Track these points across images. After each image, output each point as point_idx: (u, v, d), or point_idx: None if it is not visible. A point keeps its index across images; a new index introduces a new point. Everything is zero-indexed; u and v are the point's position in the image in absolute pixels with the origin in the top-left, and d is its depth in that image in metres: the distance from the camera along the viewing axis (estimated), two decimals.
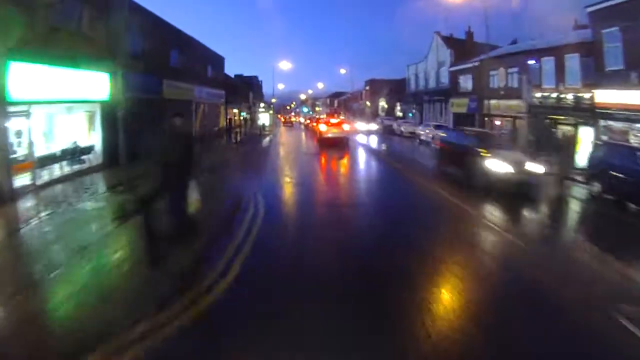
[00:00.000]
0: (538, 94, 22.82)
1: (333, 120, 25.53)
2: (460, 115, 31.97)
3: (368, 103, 57.41)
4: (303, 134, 35.47)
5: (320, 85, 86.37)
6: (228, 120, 33.95)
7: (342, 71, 56.33)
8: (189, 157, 5.54)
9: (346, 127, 24.41)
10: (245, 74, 73.09)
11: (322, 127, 24.40)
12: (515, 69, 25.53)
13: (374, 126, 40.15)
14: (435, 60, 36.72)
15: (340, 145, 23.04)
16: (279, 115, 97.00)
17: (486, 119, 29.20)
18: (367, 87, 57.86)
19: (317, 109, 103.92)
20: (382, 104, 57.03)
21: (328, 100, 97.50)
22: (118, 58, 13.66)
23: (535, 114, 22.97)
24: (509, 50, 28.45)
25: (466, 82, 32.05)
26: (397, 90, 55.25)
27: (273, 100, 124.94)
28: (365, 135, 32.84)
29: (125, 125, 13.25)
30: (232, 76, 49.59)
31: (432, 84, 37.45)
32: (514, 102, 24.83)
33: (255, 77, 75.18)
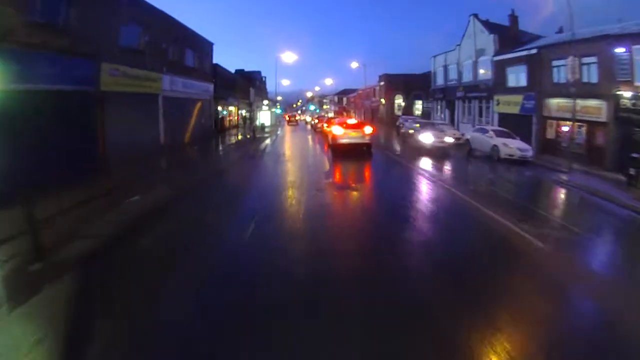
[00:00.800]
0: (628, 93, 16.23)
1: (351, 121, 18.82)
2: (509, 117, 25.07)
3: (383, 100, 50.48)
4: (310, 138, 28.25)
5: (328, 82, 79.49)
6: (218, 120, 27.31)
7: (354, 65, 48.15)
8: None
9: (368, 130, 17.68)
10: (248, 69, 66.95)
11: (337, 130, 17.68)
12: (594, 59, 18.63)
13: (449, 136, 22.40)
14: (472, 49, 29.72)
15: (361, 157, 16.47)
16: (284, 114, 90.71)
17: (547, 122, 22.45)
18: (382, 83, 50.95)
19: (324, 107, 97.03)
20: (399, 101, 50.08)
21: (336, 98, 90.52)
22: None
23: (624, 120, 16.33)
24: (584, 35, 21.43)
25: (518, 75, 25.09)
26: (416, 86, 48.38)
27: (279, 98, 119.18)
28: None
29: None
30: (232, 71, 43.10)
31: (467, 77, 30.49)
32: (591, 103, 17.99)
33: (258, 72, 68.57)
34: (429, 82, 49.08)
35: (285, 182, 11.29)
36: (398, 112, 49.89)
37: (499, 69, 26.61)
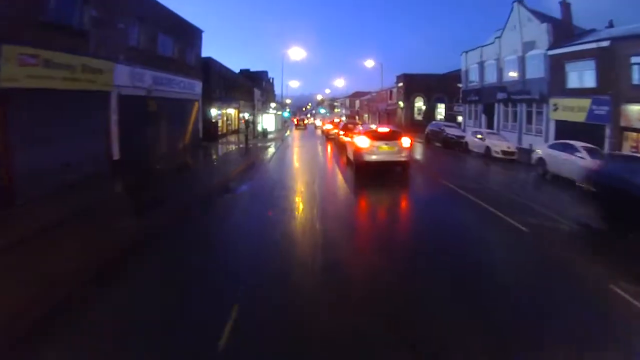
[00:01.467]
0: None
1: (382, 130, 13.12)
2: (570, 126, 19.79)
3: (401, 103, 45.23)
4: (321, 150, 21.93)
5: (339, 84, 74.43)
6: (211, 126, 22.45)
7: (369, 64, 42.98)
8: None
9: (406, 142, 12.50)
10: (255, 70, 62.36)
11: (362, 142, 12.32)
12: None
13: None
14: (517, 41, 24.41)
15: (403, 185, 11.59)
16: (293, 118, 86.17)
17: (625, 133, 17.33)
18: (400, 84, 45.71)
19: (335, 110, 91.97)
20: (419, 104, 44.78)
21: (347, 101, 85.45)
22: None
23: None
24: None
25: (582, 74, 19.80)
26: (437, 87, 43.11)
27: (288, 101, 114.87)
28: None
29: None
30: (236, 71, 38.42)
31: (511, 75, 25.17)
32: None
33: (264, 73, 63.86)
34: (452, 84, 43.93)
35: (284, 254, 5.92)
36: (418, 117, 44.63)
37: (556, 65, 21.26)
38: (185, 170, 13.55)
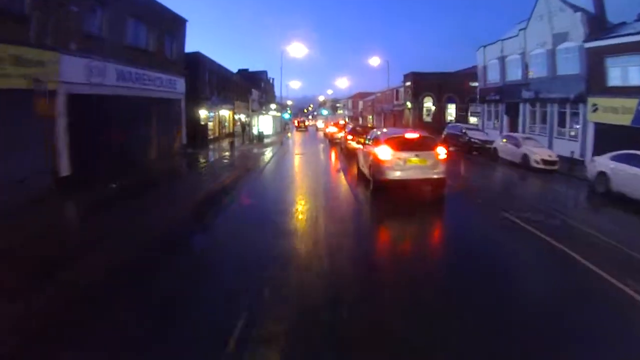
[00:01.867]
0: None
1: (411, 136, 9.84)
2: (612, 129, 17.03)
3: (409, 104, 42.48)
4: (323, 158, 18.43)
5: (342, 84, 71.67)
6: (197, 129, 19.78)
7: (375, 62, 40.25)
8: None
9: (442, 153, 9.35)
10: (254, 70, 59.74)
11: (383, 153, 9.24)
12: None
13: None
14: (546, 33, 21.64)
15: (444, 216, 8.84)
16: (294, 120, 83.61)
17: None
18: (407, 83, 42.97)
19: (338, 111, 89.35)
20: (428, 105, 42.02)
21: (350, 102, 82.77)
22: None
23: None
24: None
25: (627, 70, 17.07)
26: (448, 87, 40.37)
27: (289, 103, 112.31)
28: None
29: None
30: (234, 71, 35.82)
31: (539, 71, 22.38)
32: None
33: (264, 73, 61.34)
34: (464, 83, 41.20)
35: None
36: (427, 118, 41.88)
37: (595, 60, 18.47)
38: (150, 187, 10.84)
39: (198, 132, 19.98)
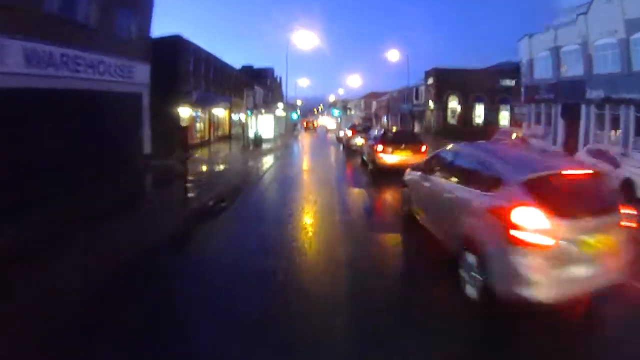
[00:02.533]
0: None
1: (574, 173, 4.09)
2: None
3: (431, 104, 37.96)
4: (344, 186, 11.06)
5: (354, 82, 67.22)
6: (169, 134, 15.57)
7: (393, 56, 35.56)
8: None
9: None
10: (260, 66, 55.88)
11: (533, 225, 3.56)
12: None
13: None
14: (615, 18, 17.02)
15: None
16: (303, 120, 79.70)
17: None
18: (430, 81, 38.43)
19: (349, 112, 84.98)
20: (454, 105, 37.43)
21: (362, 102, 78.32)
22: None
23: None
24: None
25: None
26: (477, 85, 35.76)
27: (299, 103, 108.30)
28: None
29: None
30: (237, 67, 31.90)
31: (608, 65, 17.78)
32: None
33: (269, 70, 57.45)
34: (494, 80, 36.65)
35: None
36: (452, 121, 37.31)
37: None
38: (56, 236, 6.65)
39: (173, 137, 15.91)
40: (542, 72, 22.34)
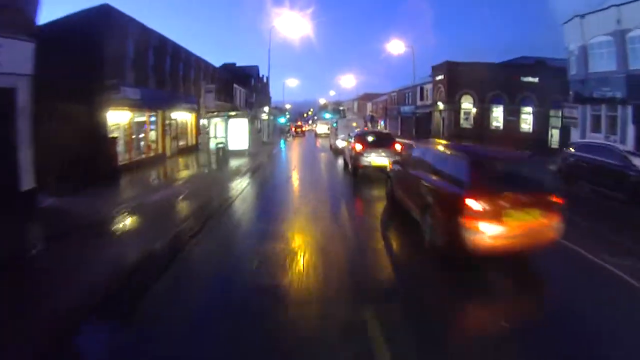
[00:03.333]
0: None
1: None
2: None
3: (440, 105, 33.13)
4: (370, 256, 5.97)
5: (347, 83, 62.18)
6: (78, 151, 10.25)
7: (395, 48, 30.52)
8: None
9: None
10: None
11: None
12: None
13: None
14: None
15: None
16: (291, 125, 74.57)
17: None
18: (440, 77, 33.59)
19: (344, 114, 79.87)
20: (467, 105, 32.63)
21: (356, 105, 73.48)
22: None
23: None
24: None
25: None
26: (494, 83, 31.04)
27: (288, 107, 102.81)
28: None
29: None
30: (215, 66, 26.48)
31: None
32: None
33: (253, 68, 52.23)
34: (514, 77, 32.12)
35: None
36: (465, 124, 32.52)
37: None
38: None
39: (95, 155, 10.58)
40: (601, 63, 17.54)
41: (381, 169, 11.46)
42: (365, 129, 24.93)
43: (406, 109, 42.62)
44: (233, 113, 18.74)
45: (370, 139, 13.04)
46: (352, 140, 13.36)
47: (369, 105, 63.95)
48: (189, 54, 20.82)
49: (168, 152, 17.59)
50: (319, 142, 38.59)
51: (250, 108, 39.08)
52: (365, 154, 12.30)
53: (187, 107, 19.82)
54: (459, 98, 32.23)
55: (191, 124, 20.95)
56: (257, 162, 16.86)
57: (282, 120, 64.86)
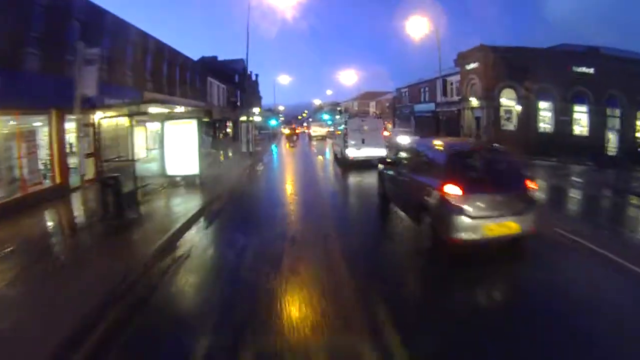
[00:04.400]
0: None
1: None
2: None
3: (474, 101, 26.54)
4: None
5: (347, 80, 55.28)
6: None
7: (418, 29, 23.73)
8: None
9: None
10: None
11: None
12: None
13: None
14: None
15: None
16: (284, 127, 68.56)
17: None
18: (473, 65, 26.96)
19: (337, 117, 73.02)
20: (508, 100, 26.02)
21: (356, 104, 66.71)
22: None
23: None
24: None
25: None
26: (540, 73, 24.55)
27: (282, 108, 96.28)
28: None
29: None
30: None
31: None
32: None
33: (239, 62, 45.29)
34: (565, 67, 25.70)
35: None
36: (508, 125, 25.98)
37: None
38: None
39: None
40: None
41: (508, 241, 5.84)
42: (388, 133, 18.38)
43: (422, 107, 36.06)
44: (158, 110, 11.17)
45: (475, 165, 5.96)
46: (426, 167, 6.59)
47: (372, 105, 57.47)
48: (125, 26, 14.06)
49: (63, 181, 10.65)
50: (314, 147, 33.74)
51: (233, 108, 32.23)
52: (474, 212, 5.36)
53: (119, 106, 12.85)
54: (499, 91, 25.65)
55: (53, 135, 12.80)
56: (205, 208, 9.22)
57: (273, 122, 58.40)
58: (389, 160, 8.97)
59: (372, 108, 56.85)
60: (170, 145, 11.27)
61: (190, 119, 11.37)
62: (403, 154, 7.96)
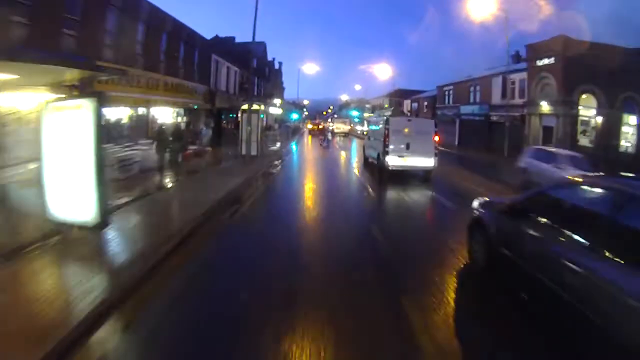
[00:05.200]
0: None
1: None
2: None
3: (546, 105, 21.57)
4: None
5: (382, 74, 50.45)
6: None
7: (485, 8, 18.98)
8: None
9: None
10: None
11: None
12: None
13: None
14: None
15: None
16: (308, 122, 65.49)
17: None
18: (548, 60, 21.94)
19: (367, 114, 68.16)
20: (588, 111, 21.01)
21: (387, 102, 61.67)
22: None
23: None
24: None
25: None
26: (626, 78, 19.43)
27: (306, 102, 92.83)
28: None
29: None
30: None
31: None
32: None
33: (260, 46, 41.50)
34: None
35: None
36: (583, 141, 21.05)
37: None
38: None
39: None
40: None
41: None
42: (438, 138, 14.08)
43: (470, 109, 31.20)
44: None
45: None
46: None
47: (406, 104, 52.64)
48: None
49: None
50: (336, 143, 32.43)
51: (246, 96, 28.31)
52: None
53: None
54: (577, 96, 20.74)
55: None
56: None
57: (294, 116, 54.58)
58: (512, 206, 4.60)
59: (407, 107, 51.98)
60: (53, 155, 5.45)
61: (79, 99, 5.17)
62: (567, 205, 3.93)
